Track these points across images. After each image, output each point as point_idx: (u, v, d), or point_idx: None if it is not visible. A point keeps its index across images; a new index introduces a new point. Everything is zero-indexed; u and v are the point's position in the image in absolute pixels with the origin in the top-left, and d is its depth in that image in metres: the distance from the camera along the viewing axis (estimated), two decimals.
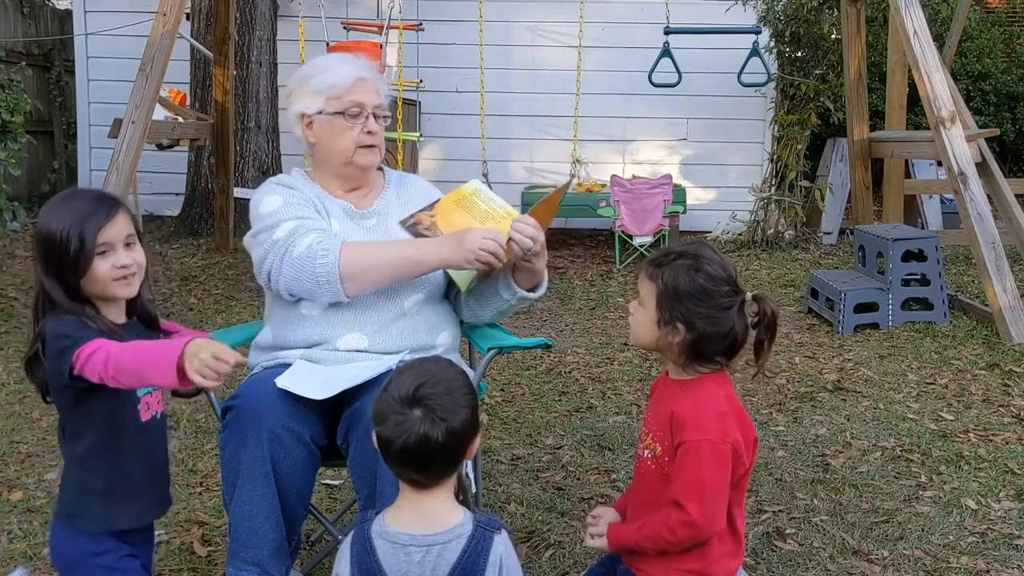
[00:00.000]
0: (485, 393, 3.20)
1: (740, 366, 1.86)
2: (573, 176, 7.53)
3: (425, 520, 1.58)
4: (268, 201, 2.31)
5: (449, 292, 2.46)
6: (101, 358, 1.65)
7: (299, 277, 2.18)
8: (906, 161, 7.78)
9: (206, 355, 1.60)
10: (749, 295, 1.78)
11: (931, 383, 4.31)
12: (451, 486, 1.61)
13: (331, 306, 2.25)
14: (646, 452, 1.84)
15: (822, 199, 8.16)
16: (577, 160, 7.53)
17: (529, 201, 7.90)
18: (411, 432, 1.52)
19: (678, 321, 1.74)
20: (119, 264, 1.77)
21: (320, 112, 2.34)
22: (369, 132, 2.34)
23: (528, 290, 2.36)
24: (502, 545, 1.59)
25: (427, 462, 1.55)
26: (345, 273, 2.17)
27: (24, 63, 8.47)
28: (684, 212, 8.05)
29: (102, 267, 1.76)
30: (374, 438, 1.59)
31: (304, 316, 2.26)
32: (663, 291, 1.76)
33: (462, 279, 2.35)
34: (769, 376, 1.93)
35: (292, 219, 2.25)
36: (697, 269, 1.75)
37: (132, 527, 1.86)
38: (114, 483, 1.80)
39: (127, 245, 1.80)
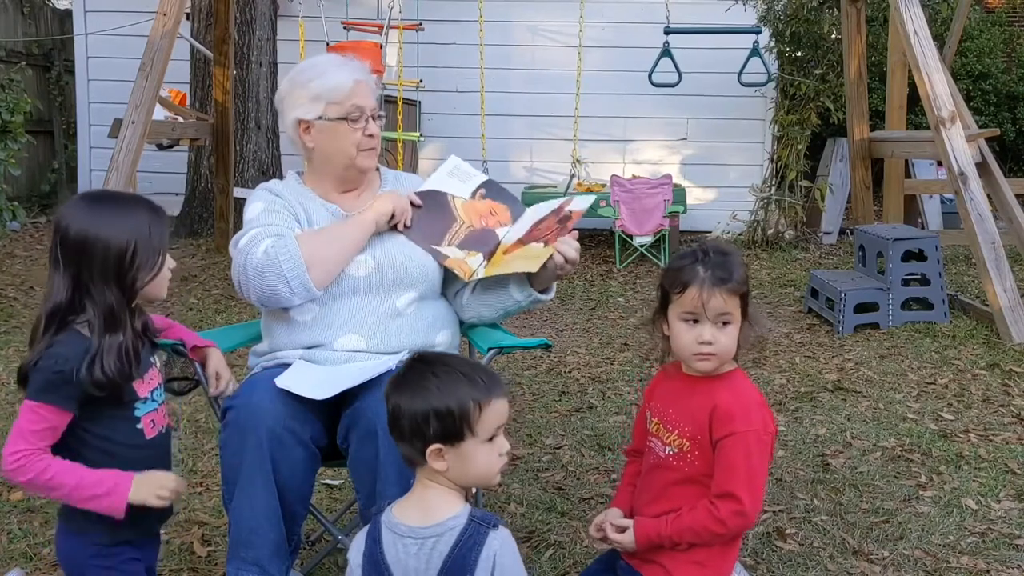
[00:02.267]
0: None
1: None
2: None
3: (424, 512, 1.59)
4: (251, 208, 2.33)
5: (448, 291, 2.46)
6: (40, 467, 1.70)
7: (266, 279, 2.17)
8: (906, 161, 7.78)
9: (155, 488, 1.77)
10: None
11: (931, 383, 4.31)
12: (450, 482, 1.59)
13: (324, 310, 2.25)
14: (667, 449, 1.85)
15: (822, 199, 8.16)
16: (577, 160, 7.52)
17: (528, 201, 7.89)
18: (390, 395, 1.60)
19: (748, 317, 1.82)
20: (171, 266, 1.86)
21: (320, 118, 2.32)
22: (371, 135, 2.35)
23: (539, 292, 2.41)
24: (497, 542, 1.56)
25: (392, 426, 1.60)
26: (308, 261, 2.18)
27: (24, 63, 8.47)
28: (684, 212, 8.04)
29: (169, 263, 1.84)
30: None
31: (299, 322, 2.26)
32: (743, 296, 1.81)
33: (467, 269, 2.34)
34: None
35: (257, 227, 2.26)
36: (744, 263, 1.83)
37: (138, 537, 1.87)
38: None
39: None
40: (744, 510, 1.74)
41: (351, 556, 1.63)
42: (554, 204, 2.38)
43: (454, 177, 2.46)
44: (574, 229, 2.31)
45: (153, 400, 1.86)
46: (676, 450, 1.83)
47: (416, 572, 1.56)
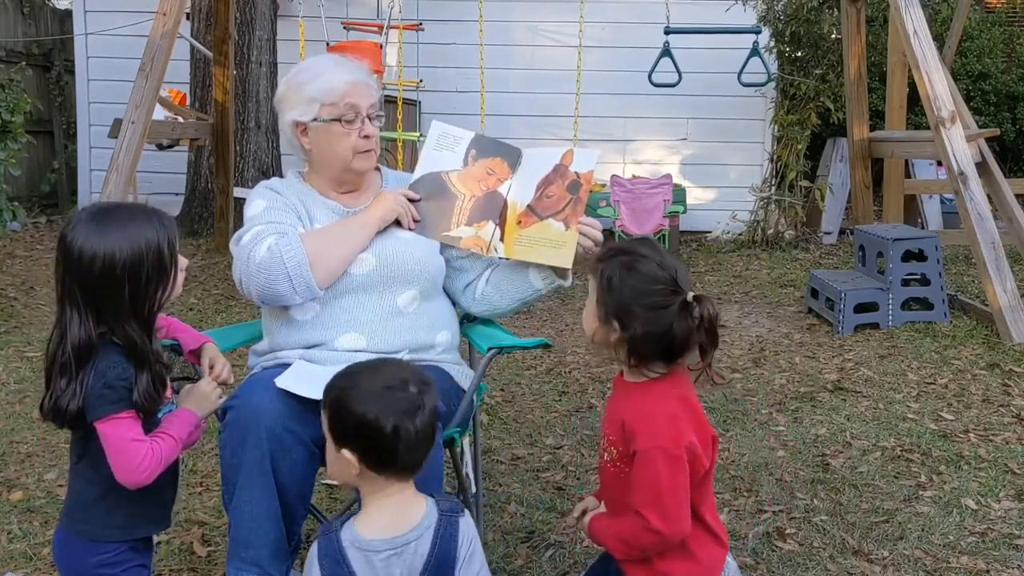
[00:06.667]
0: (485, 393, 3.20)
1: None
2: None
3: (397, 521, 1.61)
4: (253, 206, 2.33)
5: (459, 283, 2.46)
6: (155, 462, 1.76)
7: (269, 277, 2.17)
8: (906, 161, 7.78)
9: (203, 403, 1.92)
10: (691, 295, 1.71)
11: (931, 383, 4.31)
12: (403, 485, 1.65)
13: (324, 309, 2.25)
14: (605, 455, 1.81)
15: (822, 199, 8.16)
16: None
17: None
18: (424, 407, 1.59)
19: (614, 319, 1.72)
20: (183, 266, 1.89)
21: (315, 119, 2.33)
22: (366, 136, 2.34)
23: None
24: (467, 526, 1.64)
25: (427, 437, 1.61)
26: (312, 260, 2.18)
27: (24, 63, 8.48)
28: (684, 212, 8.04)
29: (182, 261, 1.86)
30: (377, 452, 1.58)
31: (299, 321, 2.26)
32: (602, 287, 1.75)
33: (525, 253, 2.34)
34: (719, 383, 1.86)
35: (260, 224, 2.26)
36: (631, 267, 1.73)
37: (152, 534, 1.89)
38: (142, 496, 1.80)
39: None
40: (652, 528, 1.66)
41: None
42: (554, 157, 2.36)
43: (442, 149, 2.43)
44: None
45: (173, 403, 1.89)
46: (609, 457, 1.79)
47: None
